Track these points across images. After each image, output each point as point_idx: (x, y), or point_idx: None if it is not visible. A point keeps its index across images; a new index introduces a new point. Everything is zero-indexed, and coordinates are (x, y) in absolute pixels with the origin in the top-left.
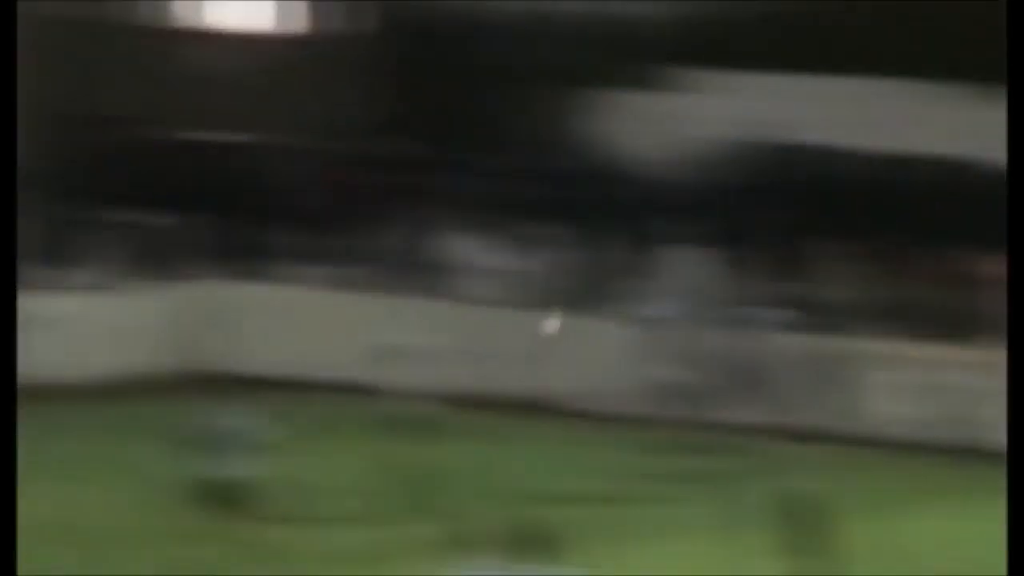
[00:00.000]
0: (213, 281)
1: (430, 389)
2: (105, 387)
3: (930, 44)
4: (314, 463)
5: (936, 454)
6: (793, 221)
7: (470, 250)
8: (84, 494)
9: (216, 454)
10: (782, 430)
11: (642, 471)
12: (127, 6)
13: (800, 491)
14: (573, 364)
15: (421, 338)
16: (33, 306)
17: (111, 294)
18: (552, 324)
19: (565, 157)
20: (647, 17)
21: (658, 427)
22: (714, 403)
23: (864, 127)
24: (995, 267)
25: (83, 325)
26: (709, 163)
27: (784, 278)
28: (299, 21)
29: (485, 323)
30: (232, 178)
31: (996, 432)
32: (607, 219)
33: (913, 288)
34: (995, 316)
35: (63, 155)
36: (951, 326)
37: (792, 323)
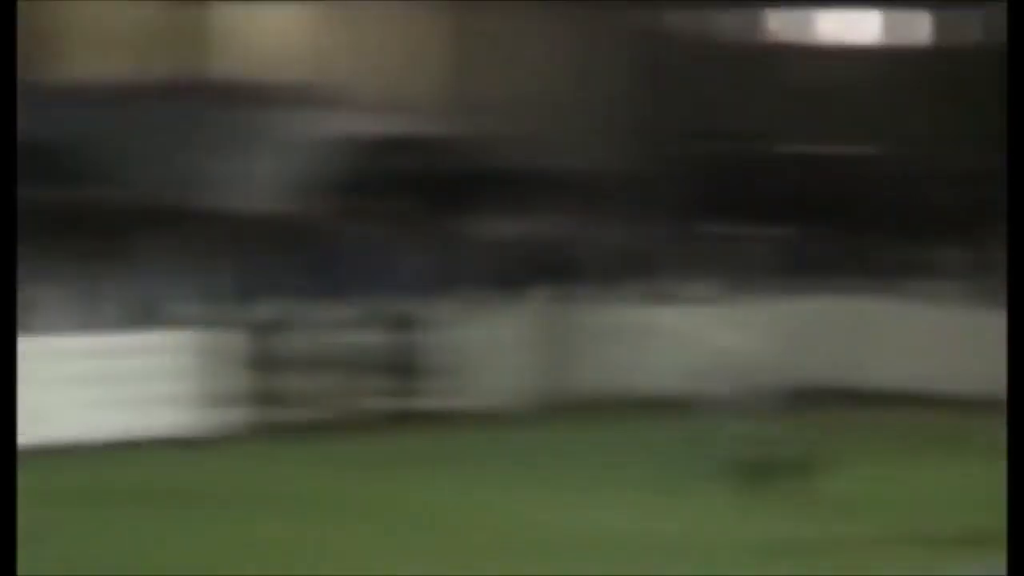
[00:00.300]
0: (828, 295)
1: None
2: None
3: None
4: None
5: None
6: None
7: None
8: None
9: None
10: None
11: None
12: (727, 22)
13: None
14: None
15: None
16: (642, 317)
17: (720, 306)
18: None
19: None
20: None
21: None
22: None
23: None
24: None
25: (690, 338)
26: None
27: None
28: (899, 34)
29: None
30: (842, 190)
31: None
32: None
33: None
34: None
35: (680, 168)
36: None
37: None
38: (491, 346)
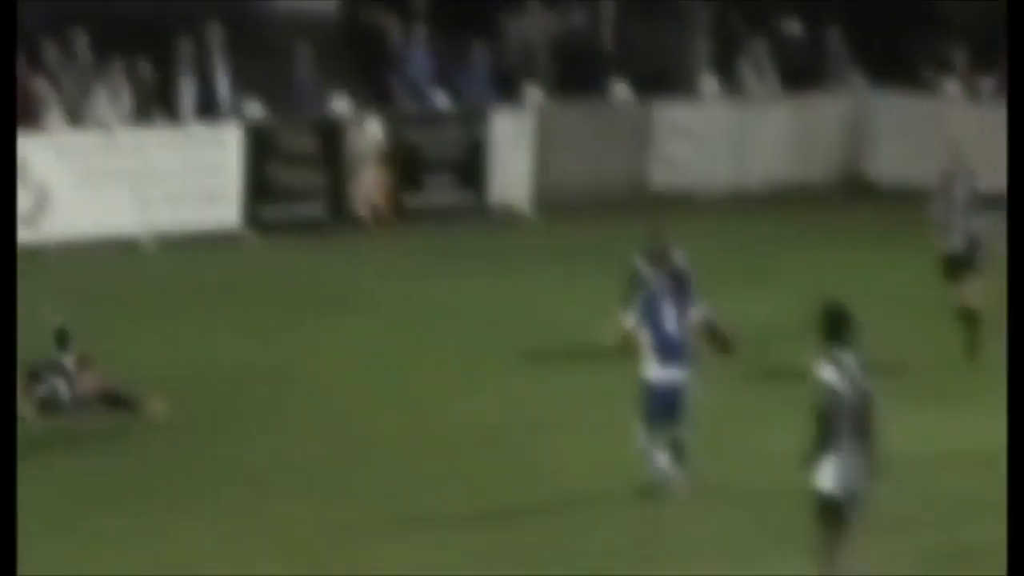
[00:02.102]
0: (860, 90)
1: None
2: (759, 196)
3: None
4: None
5: None
6: None
7: None
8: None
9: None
10: None
11: None
12: None
13: None
14: None
15: None
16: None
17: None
18: None
19: None
20: None
21: None
22: None
23: None
24: None
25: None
26: None
27: None
28: None
29: None
30: None
31: None
32: None
33: None
34: None
35: None
36: None
37: None
38: (507, 144)
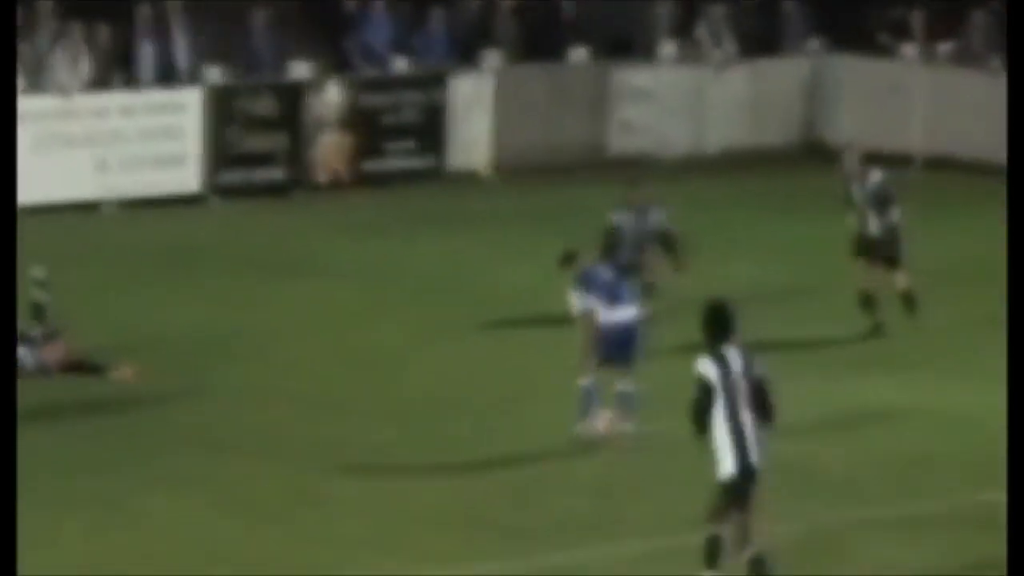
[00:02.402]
0: (818, 54)
1: None
2: (717, 160)
3: None
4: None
5: None
6: None
7: None
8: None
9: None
10: None
11: None
12: None
13: None
14: None
15: None
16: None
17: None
18: None
19: None
20: None
21: None
22: None
23: None
24: None
25: (700, 98)
26: None
27: None
28: None
29: None
30: None
31: None
32: None
33: None
34: None
35: None
36: None
37: None
38: (467, 107)
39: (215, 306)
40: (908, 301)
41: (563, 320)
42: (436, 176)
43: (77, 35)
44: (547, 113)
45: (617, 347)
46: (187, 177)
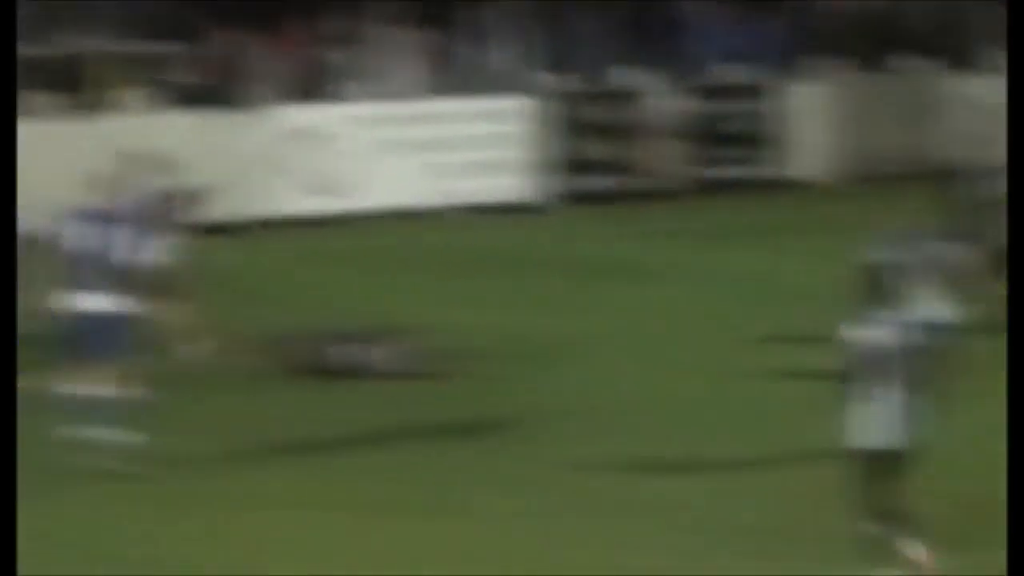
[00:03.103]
0: None
1: None
2: None
3: None
4: None
5: None
6: None
7: None
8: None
9: None
10: None
11: None
12: None
13: None
14: None
15: None
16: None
17: None
18: None
19: None
20: None
21: None
22: None
23: None
24: None
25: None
26: None
27: None
28: None
29: None
30: None
31: None
32: None
33: None
34: None
35: None
36: None
37: None
38: (803, 115)
39: (549, 312)
40: None
41: None
42: (773, 185)
43: (411, 42)
44: (885, 122)
45: None
46: (521, 184)
